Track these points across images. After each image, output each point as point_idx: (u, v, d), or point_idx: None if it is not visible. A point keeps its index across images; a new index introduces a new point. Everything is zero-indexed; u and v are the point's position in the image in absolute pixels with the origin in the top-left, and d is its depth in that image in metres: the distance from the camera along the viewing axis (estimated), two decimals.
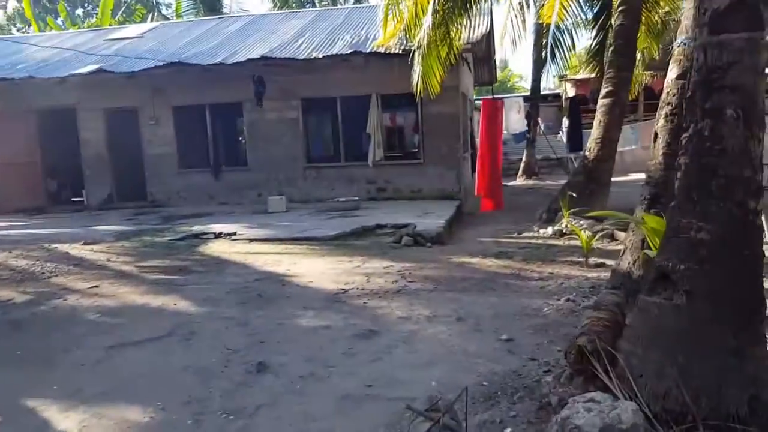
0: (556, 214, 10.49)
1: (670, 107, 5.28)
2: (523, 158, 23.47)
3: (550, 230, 9.81)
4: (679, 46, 5.34)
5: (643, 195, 5.32)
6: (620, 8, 10.57)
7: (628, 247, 5.29)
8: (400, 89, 13.51)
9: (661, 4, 13.97)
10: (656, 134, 5.38)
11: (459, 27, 11.46)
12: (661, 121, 5.31)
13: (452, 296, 5.92)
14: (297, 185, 14.41)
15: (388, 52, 12.88)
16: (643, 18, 13.68)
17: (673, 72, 5.34)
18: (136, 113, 15.15)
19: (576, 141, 16.42)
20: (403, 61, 12.89)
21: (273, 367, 4.26)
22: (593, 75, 17.98)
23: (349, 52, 12.99)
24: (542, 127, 26.24)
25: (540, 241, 9.33)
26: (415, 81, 11.08)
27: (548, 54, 15.12)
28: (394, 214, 11.37)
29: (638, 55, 15.25)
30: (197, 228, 10.82)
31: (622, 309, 4.21)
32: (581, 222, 9.86)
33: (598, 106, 10.68)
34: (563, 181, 22.00)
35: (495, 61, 20.69)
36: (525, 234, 10.05)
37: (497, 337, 4.63)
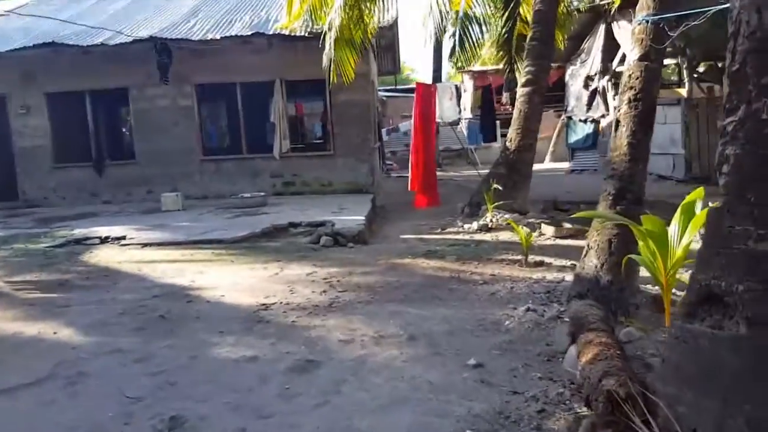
0: (479, 208, 10.00)
1: (633, 92, 4.76)
2: None
3: (475, 225, 9.27)
4: (640, 24, 4.84)
5: (606, 189, 4.78)
6: None
7: (592, 248, 4.73)
8: (306, 75, 12.61)
9: None
10: (618, 122, 4.86)
11: (372, 9, 10.69)
12: (624, 107, 4.79)
13: (395, 308, 5.15)
14: (193, 180, 13.12)
15: (292, 34, 11.88)
16: None
17: (634, 53, 4.83)
18: (3, 101, 13.22)
19: (489, 131, 16.14)
20: (309, 44, 11.98)
21: (191, 422, 3.30)
22: (500, 65, 17.81)
23: (249, 33, 11.87)
24: (463, 116, 26.11)
25: (467, 237, 8.76)
26: (327, 66, 10.21)
27: (456, 43, 14.65)
28: (306, 210, 10.46)
29: None
30: (79, 232, 9.40)
31: (611, 325, 3.62)
32: (505, 215, 9.42)
33: (517, 95, 10.27)
34: (467, 173, 22.02)
35: (399, 49, 20.11)
36: (449, 230, 9.46)
37: (462, 362, 3.90)
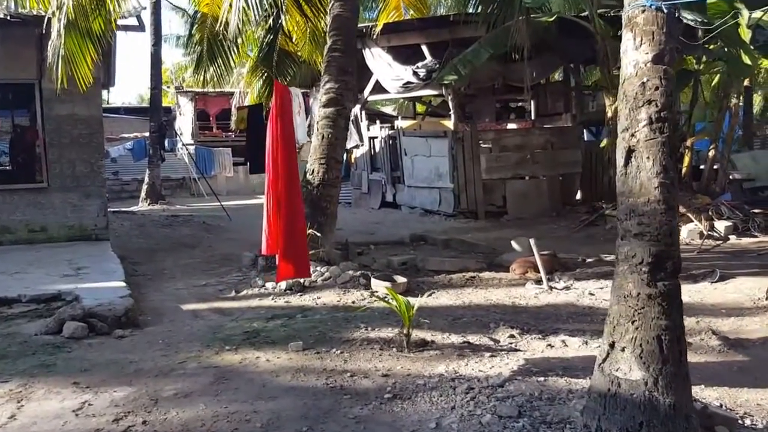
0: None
1: (654, 108, 3.22)
2: (146, 179, 19.71)
3: (282, 283, 6.98)
4: (644, 11, 3.34)
5: (633, 254, 3.11)
6: None
7: (626, 348, 3.00)
8: (4, 76, 8.98)
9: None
10: (630, 152, 3.26)
11: None
12: (644, 131, 3.21)
13: None
14: None
15: None
16: (311, 23, 12.01)
17: (644, 53, 3.30)
18: None
19: (258, 159, 13.44)
20: (8, 33, 8.51)
21: None
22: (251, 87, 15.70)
23: None
24: (181, 142, 23.17)
25: (282, 303, 6.46)
26: (53, 63, 7.05)
27: (205, 54, 12.14)
28: (19, 274, 7.01)
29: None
30: None
31: None
32: (318, 269, 7.37)
33: (318, 117, 8.31)
34: (197, 206, 19.10)
35: (116, 55, 16.53)
36: (247, 291, 7.01)
37: None
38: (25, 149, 9.82)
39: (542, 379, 4.02)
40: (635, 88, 3.29)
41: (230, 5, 8.89)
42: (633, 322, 3.02)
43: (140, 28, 9.29)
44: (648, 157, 3.17)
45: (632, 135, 3.26)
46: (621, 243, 3.22)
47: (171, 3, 25.21)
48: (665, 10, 3.29)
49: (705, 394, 3.92)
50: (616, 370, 3.04)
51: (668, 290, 3.03)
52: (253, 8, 8.14)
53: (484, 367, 4.37)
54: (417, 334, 5.10)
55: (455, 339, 5.11)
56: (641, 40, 3.33)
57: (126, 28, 8.91)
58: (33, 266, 7.36)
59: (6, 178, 9.91)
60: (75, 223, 9.45)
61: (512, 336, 5.16)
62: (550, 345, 4.92)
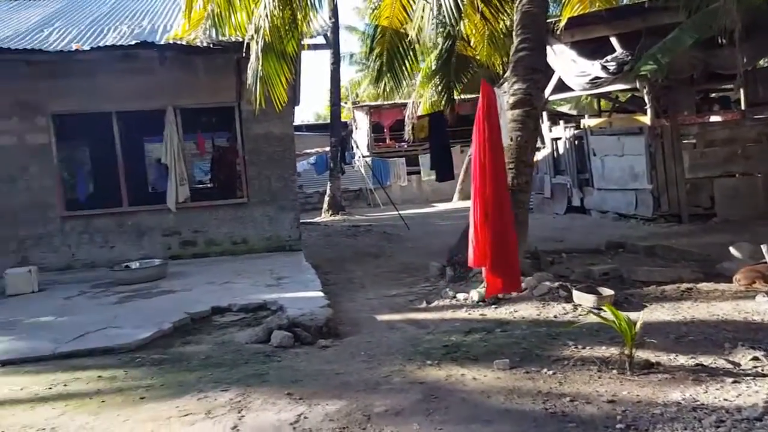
0: (466, 269, 7.47)
1: None
2: (328, 191, 20.43)
3: (474, 295, 6.70)
4: None
5: None
6: None
7: None
8: (208, 100, 9.71)
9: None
10: None
11: (307, 11, 8.08)
12: None
13: None
14: (52, 245, 9.55)
15: (191, 45, 8.93)
16: (489, 25, 11.66)
17: None
18: None
19: (444, 167, 13.20)
20: (211, 60, 9.16)
21: None
22: (417, 98, 15.66)
23: (133, 42, 8.77)
24: (359, 154, 23.99)
25: (477, 316, 6.17)
26: (252, 85, 7.46)
27: (384, 66, 12.30)
28: (228, 283, 7.45)
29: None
30: None
31: None
32: None
33: (507, 120, 7.96)
34: (374, 216, 19.46)
35: (300, 71, 17.39)
36: (438, 302, 6.84)
37: None
38: (225, 167, 10.58)
39: None
40: None
41: (422, 15, 8.85)
42: None
43: (327, 45, 9.62)
44: None
45: None
46: None
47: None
48: None
49: None
50: None
51: None
52: (447, 14, 7.88)
53: (729, 395, 3.75)
54: (638, 354, 4.55)
55: (684, 360, 4.49)
56: None
57: (315, 47, 9.26)
58: (239, 276, 7.80)
59: (212, 195, 10.70)
60: (272, 235, 9.97)
61: (756, 358, 4.41)
62: None
